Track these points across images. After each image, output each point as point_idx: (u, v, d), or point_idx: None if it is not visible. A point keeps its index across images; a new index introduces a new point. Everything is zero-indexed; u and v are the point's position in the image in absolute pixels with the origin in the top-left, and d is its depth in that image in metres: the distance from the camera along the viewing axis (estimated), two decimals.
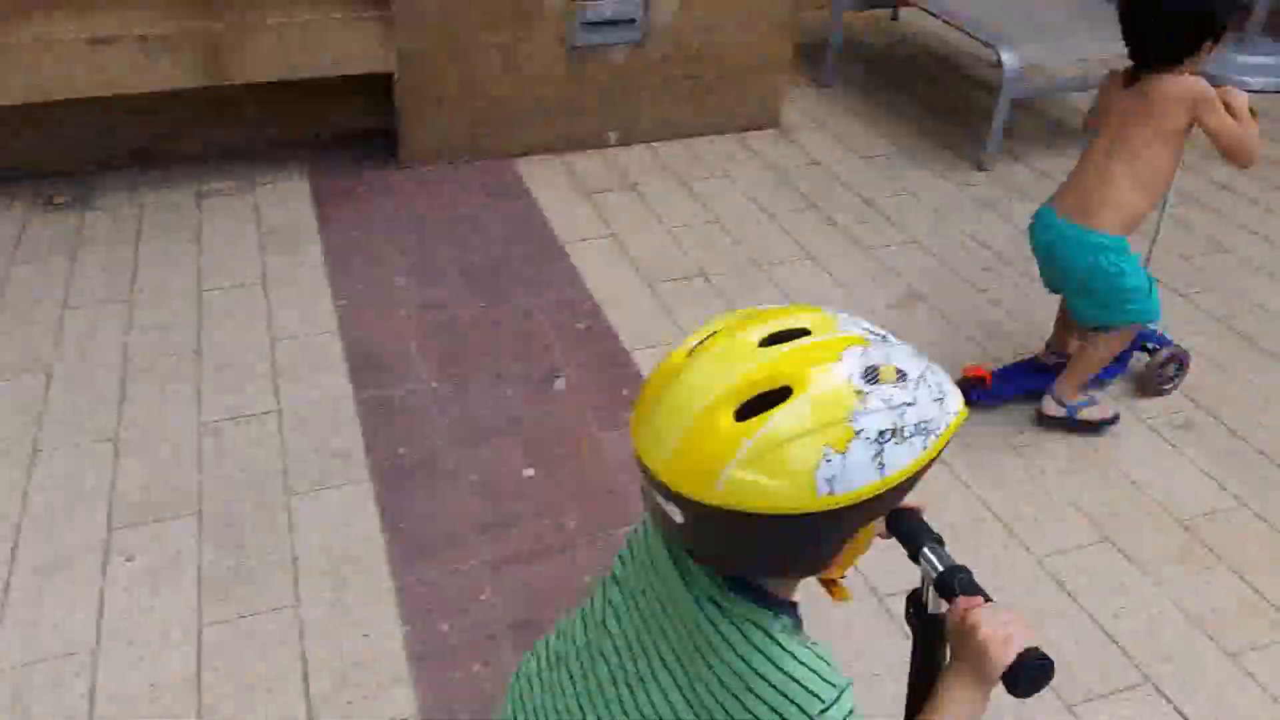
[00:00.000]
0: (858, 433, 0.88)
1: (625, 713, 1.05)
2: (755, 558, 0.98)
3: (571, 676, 1.12)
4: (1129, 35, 2.37)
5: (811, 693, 0.97)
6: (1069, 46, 4.18)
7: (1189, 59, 2.32)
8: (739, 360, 0.92)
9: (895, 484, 0.91)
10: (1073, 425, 2.65)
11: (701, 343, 0.96)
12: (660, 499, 0.94)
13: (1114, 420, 2.66)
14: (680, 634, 1.03)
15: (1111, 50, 2.94)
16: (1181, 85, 2.32)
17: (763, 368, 0.91)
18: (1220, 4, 2.28)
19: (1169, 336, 2.88)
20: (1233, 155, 2.31)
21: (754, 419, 0.88)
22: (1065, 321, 2.78)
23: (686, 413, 0.91)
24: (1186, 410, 2.83)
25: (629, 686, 1.06)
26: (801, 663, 0.98)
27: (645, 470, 0.94)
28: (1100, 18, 3.99)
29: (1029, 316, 3.20)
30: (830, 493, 0.88)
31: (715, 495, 0.89)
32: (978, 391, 2.66)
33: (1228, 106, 2.27)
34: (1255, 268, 3.57)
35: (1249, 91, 2.39)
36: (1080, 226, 2.45)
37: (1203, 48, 2.30)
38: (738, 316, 0.98)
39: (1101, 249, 2.43)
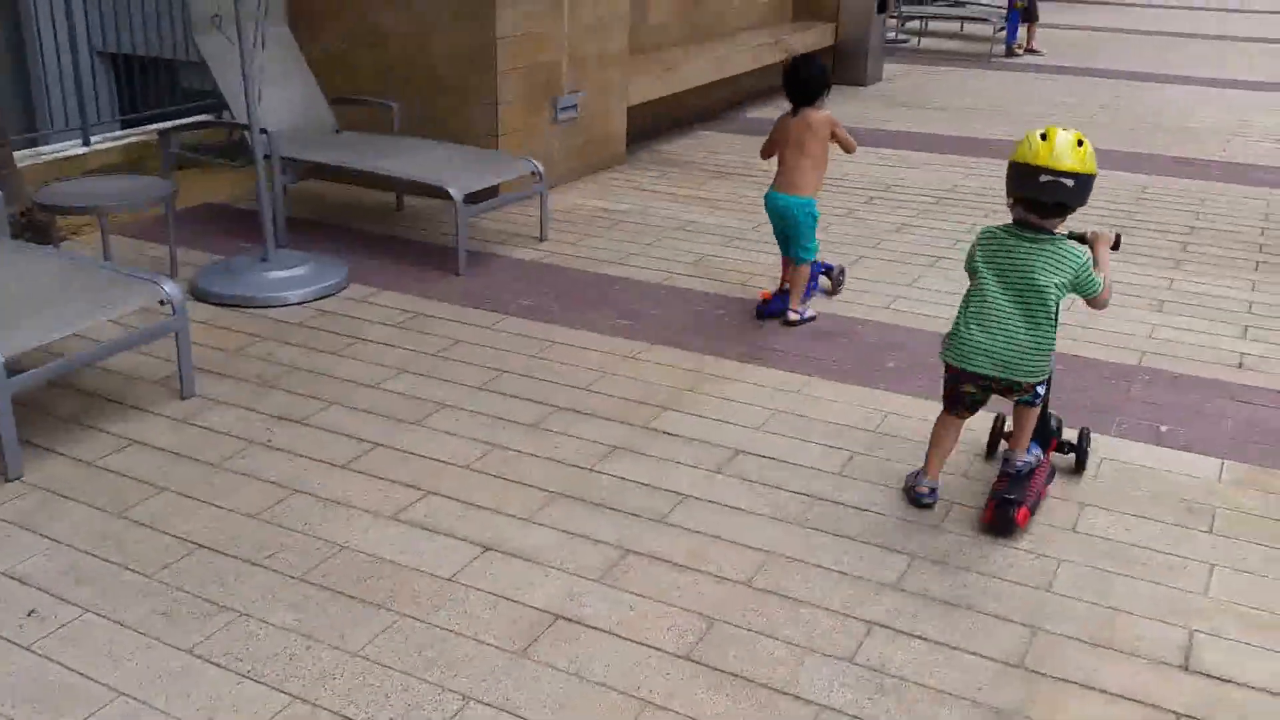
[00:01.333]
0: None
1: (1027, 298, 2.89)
2: (1085, 200, 2.84)
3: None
4: (791, 92, 4.37)
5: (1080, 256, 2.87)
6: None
7: (819, 100, 4.37)
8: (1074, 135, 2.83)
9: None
10: (805, 321, 4.43)
11: (1046, 135, 2.83)
12: (1065, 180, 2.79)
13: (815, 318, 4.45)
14: (1043, 262, 2.88)
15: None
16: (822, 115, 4.36)
17: (1076, 135, 2.82)
18: (827, 77, 4.39)
19: (831, 263, 4.81)
20: (849, 150, 4.46)
21: (1086, 146, 2.82)
22: (785, 266, 4.51)
23: (1070, 143, 2.80)
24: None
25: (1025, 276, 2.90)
26: (1075, 250, 2.89)
27: (1058, 172, 2.78)
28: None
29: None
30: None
31: (1089, 168, 2.81)
32: (762, 306, 4.49)
33: (838, 137, 4.38)
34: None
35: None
36: (794, 196, 4.35)
37: (824, 95, 4.38)
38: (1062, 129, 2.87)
39: (806, 206, 4.35)
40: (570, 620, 2.55)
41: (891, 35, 11.68)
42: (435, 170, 5.11)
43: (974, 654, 2.46)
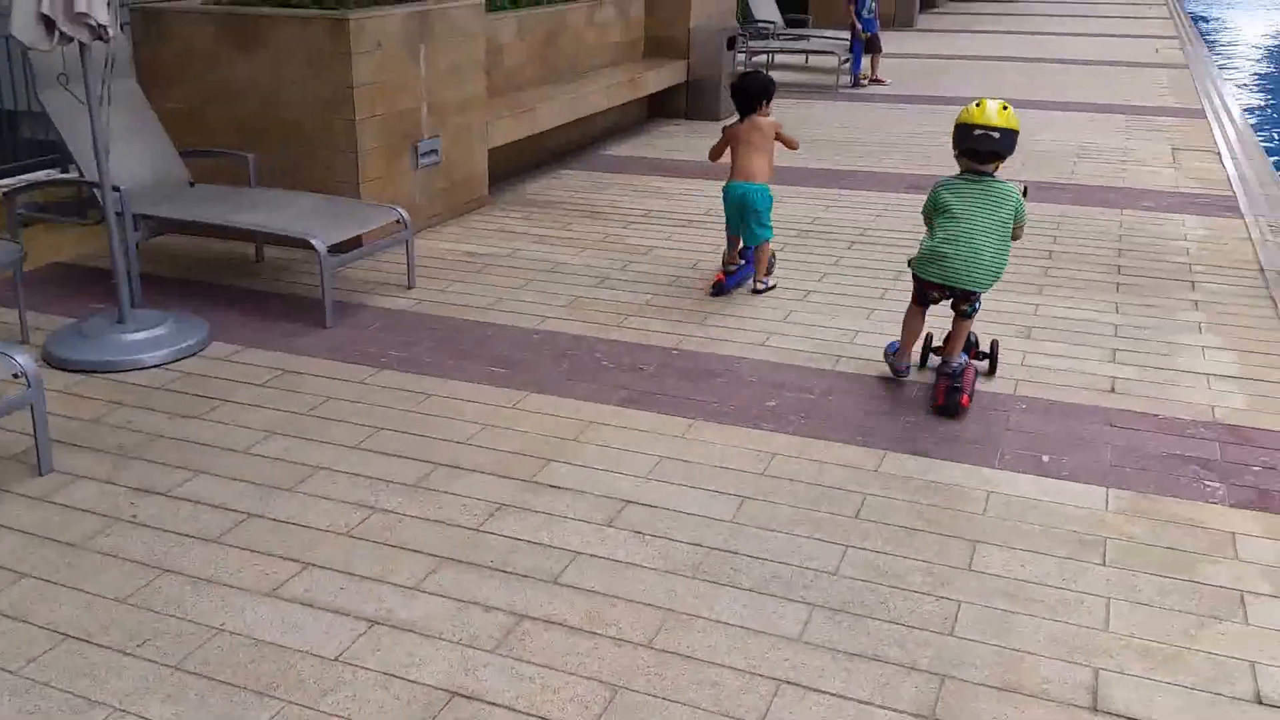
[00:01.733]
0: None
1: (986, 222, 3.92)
2: (1013, 149, 3.91)
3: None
4: (739, 102, 5.28)
5: (1015, 193, 3.97)
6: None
7: (762, 108, 5.25)
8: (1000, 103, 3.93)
9: None
10: (768, 290, 5.30)
11: (979, 104, 3.90)
12: (993, 134, 3.82)
13: (774, 286, 5.34)
14: (991, 198, 3.90)
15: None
16: (768, 119, 5.29)
17: (1001, 103, 3.93)
18: (770, 87, 5.29)
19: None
20: (793, 148, 5.50)
21: (1009, 110, 3.91)
22: (733, 244, 5.34)
23: (997, 107, 3.87)
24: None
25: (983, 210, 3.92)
26: (1012, 188, 3.97)
27: (988, 128, 3.83)
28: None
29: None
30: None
31: (1012, 124, 3.87)
32: (718, 286, 5.24)
33: (782, 138, 5.31)
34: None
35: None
36: (752, 183, 5.17)
37: (766, 103, 5.25)
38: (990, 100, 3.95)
39: (763, 190, 5.18)
40: (467, 697, 2.46)
41: (742, 70, 11.94)
42: (297, 222, 4.94)
43: (885, 708, 2.45)
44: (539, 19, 8.13)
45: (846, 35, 12.24)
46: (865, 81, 12.14)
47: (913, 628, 2.75)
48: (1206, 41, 20.04)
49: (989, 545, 3.13)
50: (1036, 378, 4.33)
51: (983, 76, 12.37)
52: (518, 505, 3.30)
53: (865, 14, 12.02)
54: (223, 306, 4.93)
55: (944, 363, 4.08)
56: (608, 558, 3.03)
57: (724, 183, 5.28)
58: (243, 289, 5.24)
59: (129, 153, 5.03)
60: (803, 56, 13.39)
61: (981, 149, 3.90)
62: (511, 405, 4.01)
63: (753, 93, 5.23)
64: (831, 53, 12.17)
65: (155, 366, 4.26)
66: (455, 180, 6.55)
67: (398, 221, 5.20)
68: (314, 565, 2.96)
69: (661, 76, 9.45)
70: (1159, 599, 2.88)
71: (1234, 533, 3.20)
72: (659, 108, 9.97)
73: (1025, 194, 4.06)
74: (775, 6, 13.82)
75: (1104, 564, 3.05)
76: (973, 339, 4.28)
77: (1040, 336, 4.78)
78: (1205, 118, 10.22)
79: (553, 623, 2.73)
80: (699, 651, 2.64)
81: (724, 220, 5.37)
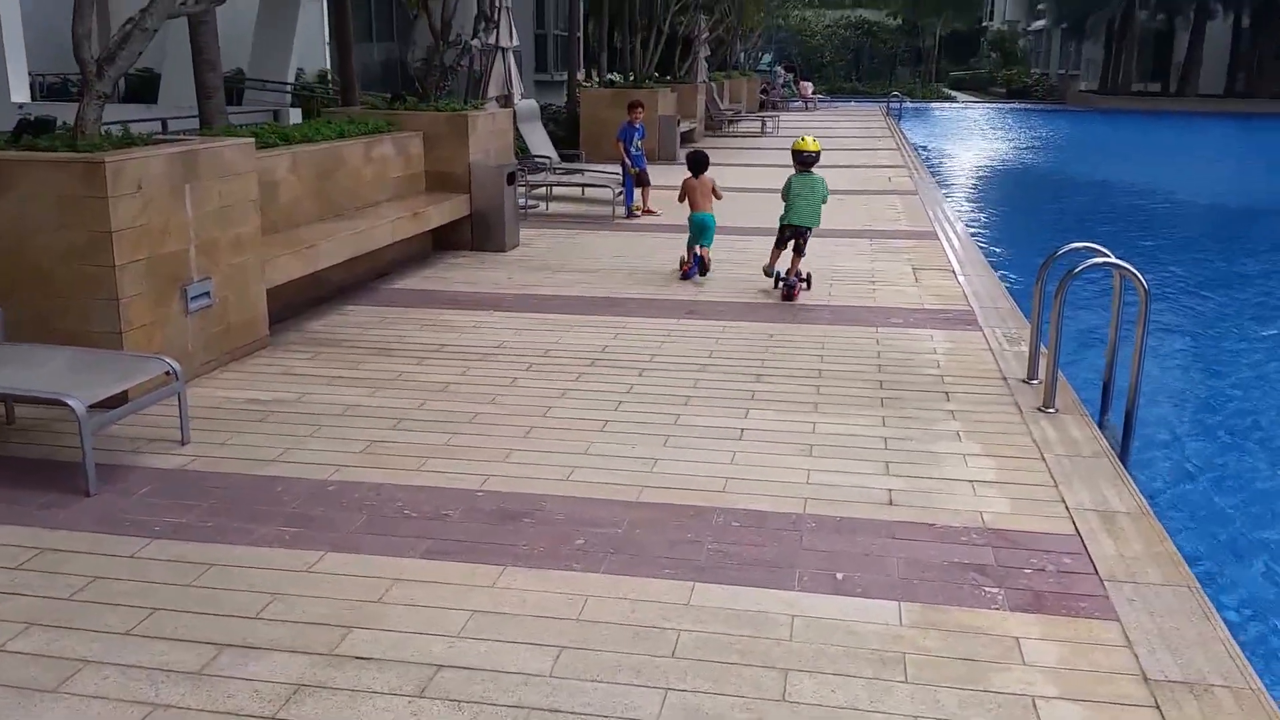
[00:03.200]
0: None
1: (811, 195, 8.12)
2: (819, 159, 8.28)
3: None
4: (693, 168, 9.07)
5: (824, 180, 8.29)
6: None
7: (704, 171, 9.06)
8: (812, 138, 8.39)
9: None
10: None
11: (803, 139, 8.27)
12: (811, 154, 8.11)
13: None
14: (813, 184, 8.12)
15: None
16: (709, 177, 9.04)
17: (813, 137, 8.41)
18: (708, 160, 9.28)
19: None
20: (719, 198, 8.99)
21: (818, 142, 8.35)
22: (690, 251, 8.91)
23: (812, 139, 8.35)
24: None
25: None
26: (822, 178, 8.27)
27: (809, 151, 8.12)
28: None
29: None
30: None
31: (819, 147, 8.25)
32: (685, 274, 8.82)
33: (714, 190, 9.01)
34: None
35: None
36: (706, 214, 8.85)
37: (706, 168, 9.10)
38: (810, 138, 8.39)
39: (711, 217, 8.89)
40: None
41: (523, 202, 12.10)
42: (51, 380, 4.54)
43: None
44: (314, 155, 7.97)
45: (618, 170, 12.69)
46: (639, 212, 12.55)
47: None
48: (929, 169, 21.94)
49: (800, 673, 3.14)
50: (822, 495, 4.44)
51: (741, 206, 13.00)
52: (318, 684, 3.03)
53: (633, 150, 12.57)
54: None
55: (789, 274, 8.14)
56: None
57: (688, 214, 8.95)
58: None
59: None
60: (579, 189, 13.74)
61: (807, 161, 8.11)
62: (305, 569, 3.74)
63: (700, 162, 9.11)
64: (606, 186, 12.54)
65: None
66: (232, 322, 6.23)
67: (167, 373, 4.86)
68: None
69: (445, 210, 9.42)
70: (960, 713, 2.96)
71: (1017, 638, 3.34)
72: (445, 240, 9.92)
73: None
74: (550, 142, 14.18)
75: (906, 681, 3.11)
76: (804, 273, 8.24)
77: (820, 454, 4.92)
78: (937, 238, 11.07)
79: None
80: None
81: (522, 351, 5.36)
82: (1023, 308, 7.70)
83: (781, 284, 8.06)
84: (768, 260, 8.37)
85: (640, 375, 6.12)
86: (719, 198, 8.91)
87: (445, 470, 4.63)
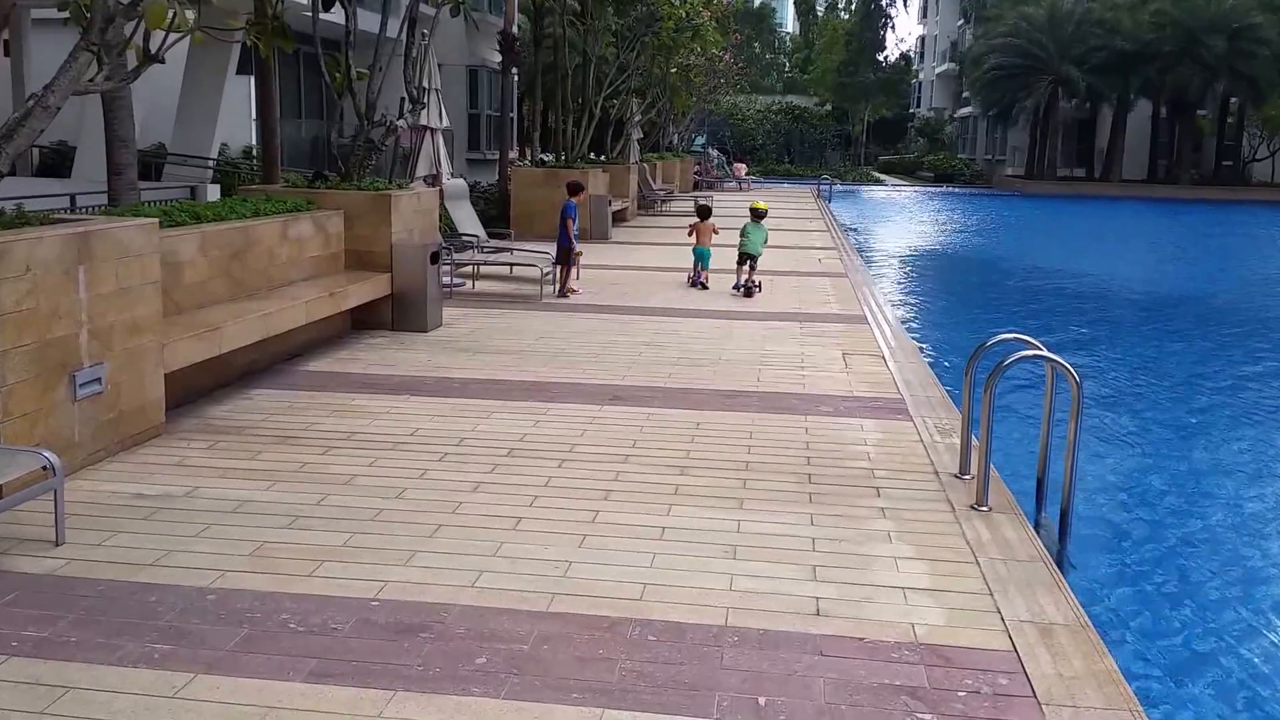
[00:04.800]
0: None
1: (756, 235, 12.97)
2: (766, 215, 13.72)
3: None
4: (699, 214, 13.97)
5: (765, 228, 13.62)
6: None
7: (707, 221, 13.74)
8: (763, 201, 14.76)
9: None
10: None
11: (755, 204, 13.88)
12: (761, 211, 13.38)
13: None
14: (760, 229, 13.10)
15: None
16: (710, 221, 13.82)
17: (763, 201, 14.63)
18: (710, 210, 14.42)
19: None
20: (715, 232, 13.78)
21: (765, 205, 14.24)
22: (696, 270, 13.40)
23: (762, 200, 15.48)
24: None
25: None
26: (763, 226, 13.59)
27: (760, 211, 13.39)
28: None
29: None
30: None
31: (766, 207, 13.96)
32: (693, 283, 13.22)
33: (716, 230, 13.86)
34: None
35: None
36: (708, 248, 13.49)
37: (710, 215, 14.06)
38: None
39: (708, 250, 13.54)
40: None
41: (448, 281, 11.84)
42: None
43: None
44: (224, 234, 7.66)
45: (547, 249, 12.49)
46: (569, 294, 12.37)
47: None
48: (859, 251, 22.20)
49: None
50: (745, 603, 4.17)
51: (663, 287, 12.93)
52: None
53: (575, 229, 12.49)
54: None
55: (747, 283, 12.44)
56: None
57: (692, 246, 13.28)
58: None
59: None
60: (507, 268, 13.53)
61: (758, 215, 12.97)
62: (173, 694, 3.36)
63: (706, 210, 13.76)
64: (534, 265, 12.33)
65: None
66: (124, 410, 5.84)
67: (44, 467, 4.48)
68: None
69: (364, 290, 9.13)
70: None
71: None
72: (364, 320, 9.61)
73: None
74: (478, 221, 13.99)
75: None
76: (756, 281, 12.55)
77: (745, 555, 4.66)
78: (867, 322, 10.99)
79: None
80: None
81: (436, 439, 5.29)
82: (953, 396, 7.57)
83: (741, 288, 12.47)
84: (735, 279, 12.70)
85: (559, 467, 5.83)
86: (716, 233, 13.51)
87: (339, 576, 4.29)
